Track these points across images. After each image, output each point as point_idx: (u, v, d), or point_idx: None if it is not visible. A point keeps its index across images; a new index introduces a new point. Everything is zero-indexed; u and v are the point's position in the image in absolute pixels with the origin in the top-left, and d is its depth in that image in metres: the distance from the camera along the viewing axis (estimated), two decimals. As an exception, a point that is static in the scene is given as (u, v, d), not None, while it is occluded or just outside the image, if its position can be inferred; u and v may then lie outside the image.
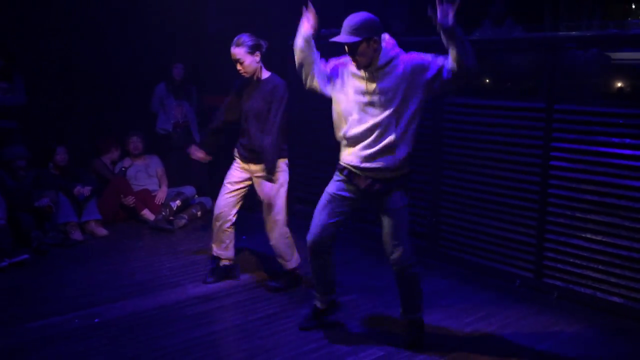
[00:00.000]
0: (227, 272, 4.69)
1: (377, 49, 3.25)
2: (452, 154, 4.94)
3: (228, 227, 4.55)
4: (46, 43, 6.55)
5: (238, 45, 4.14)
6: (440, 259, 5.09)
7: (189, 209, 6.50)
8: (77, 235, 5.75)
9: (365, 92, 3.32)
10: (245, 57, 4.15)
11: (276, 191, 4.31)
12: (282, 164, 4.33)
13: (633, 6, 5.93)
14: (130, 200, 6.28)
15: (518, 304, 4.28)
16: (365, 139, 3.36)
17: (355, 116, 3.37)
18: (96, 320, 4.03)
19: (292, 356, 3.54)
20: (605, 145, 4.04)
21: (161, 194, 6.51)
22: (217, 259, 4.68)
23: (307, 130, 5.94)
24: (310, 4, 3.47)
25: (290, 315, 4.09)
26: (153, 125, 6.92)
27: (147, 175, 6.64)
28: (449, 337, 3.79)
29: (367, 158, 3.37)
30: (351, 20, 3.23)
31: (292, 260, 4.51)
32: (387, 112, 3.29)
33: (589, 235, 4.15)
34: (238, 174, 4.45)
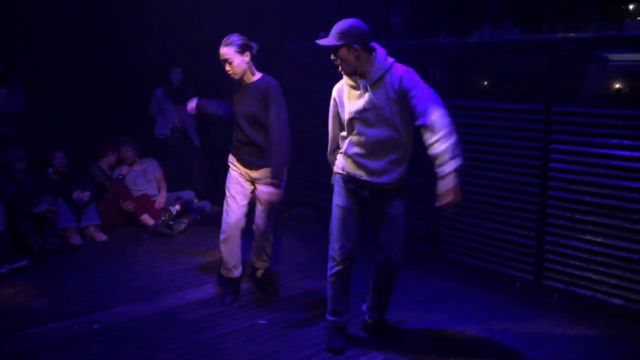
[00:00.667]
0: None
1: (360, 57, 3.24)
2: (451, 156, 4.93)
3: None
4: (44, 48, 6.56)
5: (227, 44, 4.03)
6: (440, 261, 5.08)
7: (189, 213, 6.49)
8: (76, 240, 5.74)
9: (363, 109, 3.32)
10: (234, 56, 4.02)
11: (278, 195, 4.21)
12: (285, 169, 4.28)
13: (631, 7, 5.93)
14: (129, 205, 6.27)
15: (518, 306, 4.27)
16: (369, 154, 3.38)
17: (356, 132, 3.39)
18: (96, 326, 4.02)
19: (292, 361, 3.54)
20: (604, 146, 4.03)
21: (160, 199, 6.51)
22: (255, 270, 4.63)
23: (305, 133, 5.93)
24: None
25: (290, 319, 4.08)
26: (151, 130, 6.92)
27: (145, 179, 6.63)
28: (449, 340, 3.79)
29: (372, 173, 3.40)
30: (337, 26, 3.27)
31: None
32: (386, 127, 3.30)
33: (588, 237, 4.15)
34: (243, 183, 4.29)
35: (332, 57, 3.30)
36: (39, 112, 6.49)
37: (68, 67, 6.69)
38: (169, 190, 6.68)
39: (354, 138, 3.41)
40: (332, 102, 3.56)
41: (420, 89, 3.21)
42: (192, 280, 4.82)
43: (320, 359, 3.56)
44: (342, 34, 3.22)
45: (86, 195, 5.92)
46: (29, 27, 6.46)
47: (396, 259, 3.55)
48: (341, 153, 3.53)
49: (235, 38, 4.06)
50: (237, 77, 4.11)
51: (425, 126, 3.16)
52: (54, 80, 6.66)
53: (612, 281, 4.05)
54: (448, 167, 3.10)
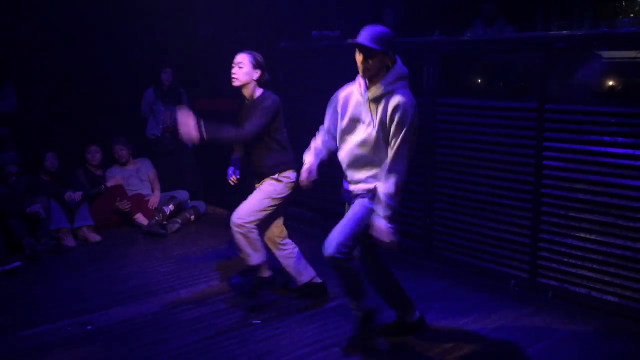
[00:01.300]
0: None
1: (385, 67, 3.23)
2: (445, 154, 4.93)
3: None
4: (36, 49, 6.52)
5: (247, 53, 4.13)
6: (434, 260, 5.08)
7: (183, 213, 6.47)
8: (69, 241, 5.72)
9: (356, 120, 3.34)
10: (247, 65, 4.09)
11: (270, 194, 4.21)
12: (283, 176, 4.26)
13: (624, 4, 5.94)
14: (126, 205, 6.25)
15: (513, 304, 4.27)
16: (349, 167, 3.43)
17: (344, 143, 3.42)
18: (89, 327, 4.00)
19: (287, 360, 3.53)
20: (597, 144, 4.04)
21: (154, 199, 6.49)
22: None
23: (298, 133, 5.92)
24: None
25: (284, 319, 4.07)
26: (143, 131, 6.89)
27: (139, 179, 6.61)
28: (444, 338, 3.78)
29: (355, 182, 3.43)
30: (373, 29, 3.19)
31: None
32: (374, 146, 3.30)
33: (583, 235, 4.15)
34: None
35: (362, 60, 3.19)
36: (31, 113, 6.46)
37: (60, 67, 6.65)
38: (162, 190, 6.66)
39: (346, 147, 3.44)
40: (331, 109, 3.54)
41: (404, 137, 3.21)
42: (186, 281, 4.81)
43: (315, 358, 3.55)
44: (382, 41, 3.16)
45: (78, 195, 5.89)
46: (21, 27, 6.43)
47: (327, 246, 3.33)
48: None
49: (256, 54, 4.16)
50: (236, 83, 4.14)
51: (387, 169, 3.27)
52: (45, 81, 6.63)
53: (607, 279, 4.06)
54: (382, 210, 3.24)
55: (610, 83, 4.40)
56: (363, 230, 3.33)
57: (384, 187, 3.24)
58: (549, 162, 4.29)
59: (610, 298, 4.05)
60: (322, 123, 3.65)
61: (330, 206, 5.74)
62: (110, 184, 6.39)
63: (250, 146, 4.22)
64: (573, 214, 4.19)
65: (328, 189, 5.50)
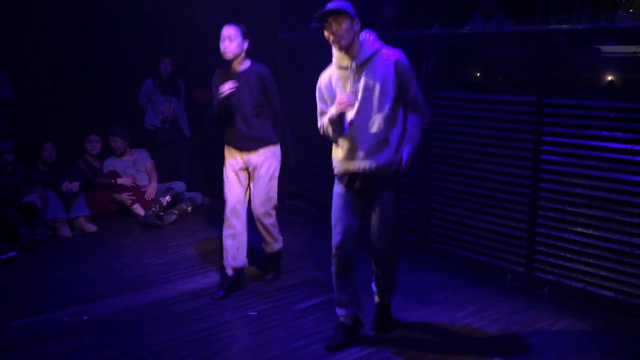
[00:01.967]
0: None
1: (358, 33, 3.27)
2: (442, 147, 4.92)
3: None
4: (33, 38, 6.49)
5: (233, 24, 4.15)
6: (431, 253, 5.08)
7: (179, 204, 6.46)
8: (65, 231, 5.70)
9: (353, 92, 3.30)
10: (237, 36, 4.12)
11: (272, 175, 4.35)
12: (277, 149, 4.39)
13: (623, -1, 5.92)
14: (125, 196, 6.25)
15: (509, 298, 4.27)
16: (352, 142, 3.36)
17: (348, 118, 3.35)
18: (85, 317, 4.00)
19: (283, 352, 3.52)
20: (595, 138, 4.03)
21: (151, 190, 6.47)
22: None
23: (298, 125, 5.90)
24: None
25: (281, 311, 4.07)
26: (141, 121, 6.87)
27: (136, 170, 6.59)
28: (440, 331, 3.78)
29: (357, 158, 3.37)
30: (337, 1, 3.25)
31: (279, 241, 4.61)
32: (376, 110, 3.29)
33: (580, 229, 4.15)
34: (237, 170, 4.35)
35: (333, 27, 3.21)
36: (28, 102, 6.43)
37: (57, 57, 6.62)
38: (159, 181, 6.64)
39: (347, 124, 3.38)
40: (318, 95, 3.50)
41: (414, 80, 3.33)
42: (183, 272, 4.80)
43: (311, 350, 3.55)
44: (347, 5, 3.22)
45: (75, 185, 5.87)
46: (17, 16, 6.39)
47: (379, 245, 3.52)
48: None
49: (241, 26, 4.19)
50: (228, 56, 4.16)
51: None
52: (43, 71, 6.60)
53: (603, 273, 4.06)
54: (410, 143, 3.39)
55: (609, 77, 4.39)
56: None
57: (415, 123, 3.37)
58: (546, 157, 4.28)
59: (607, 292, 4.05)
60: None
61: (325, 198, 5.72)
62: (108, 172, 6.38)
63: (250, 117, 4.23)
64: (570, 209, 4.19)
65: (322, 180, 5.48)
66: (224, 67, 4.27)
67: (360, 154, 3.36)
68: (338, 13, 3.20)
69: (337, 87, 3.38)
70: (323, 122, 3.45)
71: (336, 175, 3.52)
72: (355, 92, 3.30)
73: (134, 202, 6.30)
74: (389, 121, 3.31)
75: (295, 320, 3.94)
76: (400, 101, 3.33)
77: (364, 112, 3.31)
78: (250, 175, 4.38)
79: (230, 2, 6.70)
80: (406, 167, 3.37)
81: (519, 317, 3.99)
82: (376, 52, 3.30)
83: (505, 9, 5.95)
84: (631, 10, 5.54)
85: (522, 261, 4.48)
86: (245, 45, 4.18)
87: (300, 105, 5.62)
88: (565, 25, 4.40)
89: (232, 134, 4.31)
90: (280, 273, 4.66)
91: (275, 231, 4.50)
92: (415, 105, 3.37)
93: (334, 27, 3.23)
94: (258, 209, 4.35)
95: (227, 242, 4.36)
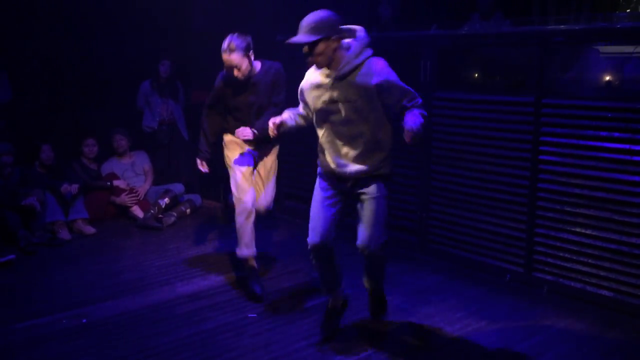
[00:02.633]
0: None
1: (337, 48, 3.17)
2: (441, 148, 4.93)
3: None
4: (31, 40, 6.48)
5: (232, 50, 3.99)
6: (430, 254, 5.08)
7: (178, 206, 6.45)
8: (64, 234, 5.70)
9: (331, 102, 3.28)
10: (242, 61, 4.03)
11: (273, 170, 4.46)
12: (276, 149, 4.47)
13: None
14: (124, 198, 6.25)
15: (508, 298, 4.28)
16: (339, 147, 3.36)
17: (326, 126, 3.37)
18: (84, 320, 3.99)
19: (282, 354, 3.52)
20: (593, 139, 4.04)
21: (141, 190, 6.46)
22: None
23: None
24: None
25: (280, 312, 4.07)
26: (139, 123, 6.86)
27: (134, 172, 6.58)
28: (439, 332, 3.79)
29: (343, 165, 3.37)
30: (308, 19, 3.16)
31: None
32: (358, 120, 3.26)
33: (578, 229, 4.16)
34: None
35: (307, 54, 3.18)
36: (27, 104, 6.42)
37: (55, 59, 6.62)
38: (157, 183, 6.64)
39: (324, 132, 3.40)
40: (299, 95, 3.51)
41: (401, 87, 3.26)
42: (182, 274, 4.80)
43: (311, 352, 3.55)
44: (318, 27, 3.10)
45: (74, 188, 5.87)
46: (17, 18, 6.38)
47: (370, 243, 3.45)
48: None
49: (238, 42, 4.01)
50: (244, 77, 4.11)
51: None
52: (41, 73, 6.60)
53: (602, 273, 4.06)
54: (418, 116, 3.16)
55: (607, 77, 4.39)
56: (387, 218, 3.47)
57: (416, 110, 3.20)
58: (545, 157, 4.29)
59: (605, 292, 4.05)
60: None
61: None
62: (106, 174, 6.38)
63: (258, 113, 4.25)
64: (569, 209, 4.19)
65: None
66: (229, 73, 4.17)
67: (348, 160, 3.36)
68: (308, 45, 3.13)
69: (314, 93, 3.35)
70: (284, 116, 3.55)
71: (321, 173, 3.53)
72: (332, 102, 3.27)
73: (135, 203, 6.30)
74: (375, 128, 3.29)
75: (295, 321, 3.94)
76: (389, 106, 3.29)
77: (349, 123, 3.28)
78: (257, 168, 4.43)
79: (227, 4, 6.70)
80: (419, 130, 3.06)
81: (518, 317, 3.99)
82: (360, 65, 3.21)
83: (503, 10, 5.96)
84: (628, 10, 5.55)
85: (521, 261, 4.49)
86: (252, 56, 4.12)
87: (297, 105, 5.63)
88: (563, 26, 4.42)
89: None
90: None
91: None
92: (410, 101, 3.26)
93: (307, 53, 3.19)
94: (267, 205, 4.47)
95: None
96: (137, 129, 6.82)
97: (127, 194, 6.30)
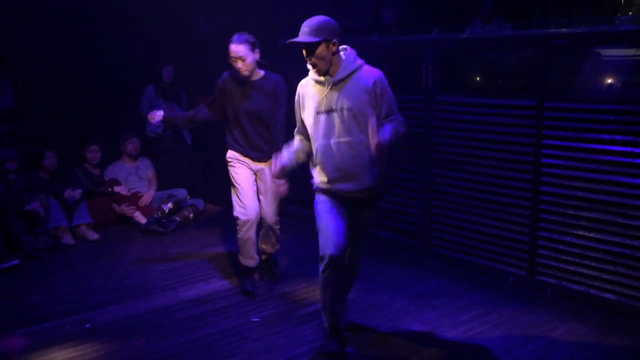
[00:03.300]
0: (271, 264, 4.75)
1: (336, 53, 3.21)
2: (443, 152, 4.93)
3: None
4: (34, 46, 6.51)
5: (239, 42, 4.08)
6: (432, 257, 5.08)
7: (181, 211, 6.46)
8: (68, 239, 5.71)
9: (327, 110, 3.26)
10: (247, 54, 4.08)
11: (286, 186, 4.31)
12: None
13: (623, 1, 5.93)
14: (124, 208, 6.27)
15: (512, 301, 4.27)
16: (335, 159, 3.30)
17: (321, 136, 3.31)
18: (87, 325, 4.00)
19: (285, 358, 3.52)
20: (596, 142, 4.03)
21: (147, 197, 6.48)
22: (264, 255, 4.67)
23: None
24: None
25: (283, 317, 4.07)
26: (143, 128, 6.88)
27: (137, 178, 6.60)
28: (442, 336, 3.78)
29: (338, 180, 3.32)
30: (310, 22, 3.19)
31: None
32: (354, 130, 3.23)
33: (581, 232, 4.15)
34: (250, 176, 4.40)
35: (307, 56, 3.18)
36: (30, 110, 6.44)
37: (59, 64, 6.64)
38: (161, 188, 6.66)
39: (319, 143, 3.34)
40: (297, 100, 3.46)
41: (391, 98, 3.29)
42: (185, 279, 4.80)
43: (314, 356, 3.54)
44: (319, 30, 3.14)
45: (77, 193, 5.88)
46: (19, 24, 6.41)
47: (352, 258, 3.58)
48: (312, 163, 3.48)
49: (247, 36, 4.12)
50: (248, 74, 4.15)
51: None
52: (44, 79, 6.61)
53: (605, 276, 4.06)
54: (389, 131, 3.12)
55: (609, 81, 4.40)
56: None
57: (395, 124, 3.21)
58: (547, 160, 4.29)
59: (609, 295, 4.05)
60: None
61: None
62: (108, 180, 6.40)
63: (264, 127, 4.27)
64: (571, 212, 4.19)
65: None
66: (235, 72, 4.24)
67: (342, 175, 3.30)
68: (308, 45, 3.15)
69: (310, 100, 3.33)
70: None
71: (319, 189, 3.45)
72: (329, 110, 3.26)
73: (134, 211, 6.32)
74: (368, 142, 3.18)
75: (298, 326, 3.94)
76: (380, 119, 3.24)
77: (343, 133, 3.25)
78: (259, 182, 4.41)
79: (230, 8, 6.72)
80: (387, 143, 3.07)
81: (522, 320, 3.98)
82: (355, 71, 3.24)
83: (504, 14, 5.97)
84: (630, 13, 5.55)
85: (524, 265, 4.48)
86: (257, 56, 4.15)
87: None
88: (564, 29, 4.42)
89: (244, 143, 4.32)
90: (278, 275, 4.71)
91: (279, 232, 4.62)
92: (392, 113, 3.29)
93: (308, 55, 3.19)
94: (271, 218, 4.46)
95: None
96: (141, 134, 6.83)
97: (127, 205, 6.31)
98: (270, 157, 4.14)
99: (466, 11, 6.28)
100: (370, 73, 3.27)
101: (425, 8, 6.67)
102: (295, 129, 3.58)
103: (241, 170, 4.36)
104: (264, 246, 4.60)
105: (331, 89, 3.25)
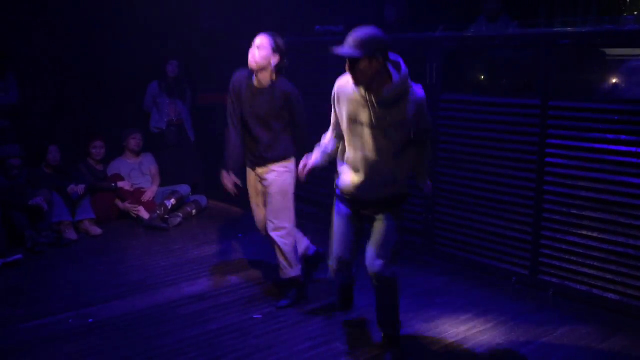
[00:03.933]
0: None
1: (381, 70, 3.01)
2: (447, 150, 4.92)
3: None
4: (39, 41, 6.51)
5: (269, 36, 3.92)
6: (435, 256, 5.07)
7: (184, 207, 6.47)
8: (71, 234, 5.72)
9: (368, 124, 3.13)
10: (267, 48, 3.89)
11: (285, 191, 4.16)
12: (291, 164, 4.17)
13: (628, 1, 5.91)
14: (128, 206, 6.28)
15: (514, 301, 4.27)
16: (366, 172, 3.26)
17: (357, 147, 3.23)
18: (90, 320, 4.01)
19: (287, 355, 3.53)
20: (600, 141, 4.02)
21: (149, 193, 6.48)
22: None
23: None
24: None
25: (285, 314, 4.08)
26: (146, 124, 6.88)
27: (140, 173, 6.61)
28: (445, 334, 3.78)
29: (362, 192, 3.31)
30: (356, 33, 2.98)
31: (296, 267, 4.22)
32: (394, 147, 3.17)
33: (584, 232, 4.14)
34: (257, 186, 4.27)
35: (349, 69, 3.01)
36: (34, 105, 6.45)
37: (63, 60, 6.64)
38: (164, 184, 6.66)
39: (352, 150, 3.27)
40: (333, 98, 3.30)
41: (428, 121, 3.27)
42: (188, 275, 4.81)
43: (316, 353, 3.55)
44: (365, 44, 2.93)
45: (81, 188, 5.90)
46: (23, 19, 6.41)
47: (376, 266, 3.35)
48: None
49: (279, 38, 3.95)
50: (251, 65, 3.93)
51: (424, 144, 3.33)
52: (48, 74, 6.62)
53: (608, 276, 4.05)
54: (427, 176, 3.52)
55: (614, 80, 4.38)
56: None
57: (428, 155, 3.43)
58: (551, 159, 4.28)
59: (612, 296, 4.04)
60: (324, 118, 3.61)
61: (330, 200, 5.73)
62: (111, 175, 6.42)
63: (263, 132, 4.07)
64: (575, 211, 4.18)
65: (328, 182, 5.48)
66: (246, 73, 4.06)
67: (371, 186, 3.27)
68: (348, 59, 3.00)
69: (349, 105, 3.18)
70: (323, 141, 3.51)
71: (340, 195, 3.44)
72: (370, 126, 3.13)
73: (134, 202, 6.33)
74: (402, 158, 3.22)
75: (300, 323, 3.95)
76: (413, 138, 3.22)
77: (381, 149, 3.17)
78: (264, 192, 4.22)
79: (234, 5, 6.72)
80: (430, 190, 3.62)
81: (524, 320, 3.98)
82: (406, 93, 3.10)
83: (509, 12, 5.95)
84: (636, 13, 5.53)
85: (527, 264, 4.47)
86: (275, 61, 3.92)
87: (305, 107, 5.63)
88: (570, 28, 4.41)
89: (248, 148, 4.18)
90: (296, 303, 4.23)
91: (290, 255, 4.17)
92: (427, 135, 3.30)
93: (350, 68, 3.02)
94: (269, 226, 4.15)
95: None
96: (144, 130, 6.84)
97: (129, 202, 6.32)
98: (270, 162, 4.10)
99: (471, 9, 6.26)
100: (415, 96, 3.12)
101: (430, 6, 6.66)
102: (330, 128, 3.47)
103: (248, 178, 4.28)
104: (279, 269, 4.30)
105: (377, 107, 3.09)
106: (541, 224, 4.37)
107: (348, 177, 3.34)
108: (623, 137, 3.91)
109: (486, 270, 4.71)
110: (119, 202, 6.36)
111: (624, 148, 3.91)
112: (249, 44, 3.99)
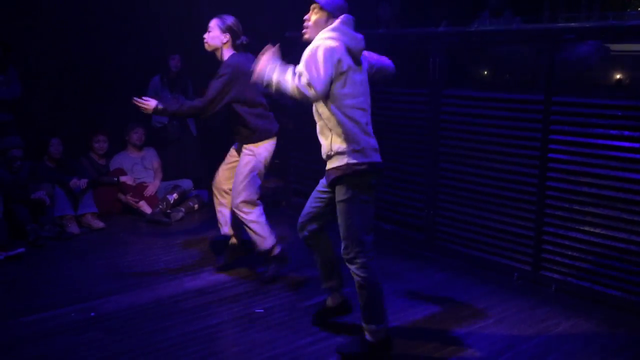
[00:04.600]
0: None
1: (321, 24, 3.24)
2: (449, 146, 4.92)
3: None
4: (41, 35, 6.51)
5: (217, 17, 4.29)
6: (437, 252, 5.07)
7: (186, 202, 6.48)
8: (73, 228, 5.72)
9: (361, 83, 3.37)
10: (214, 28, 4.27)
11: (246, 172, 4.36)
12: (257, 149, 4.41)
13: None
14: (129, 198, 6.28)
15: (516, 296, 4.27)
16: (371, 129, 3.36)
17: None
18: (92, 314, 4.02)
19: (288, 350, 3.53)
20: (603, 137, 4.01)
21: (152, 187, 6.48)
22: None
23: (301, 122, 5.91)
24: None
25: (286, 308, 4.08)
26: (149, 118, 6.88)
27: (143, 167, 6.61)
28: (446, 330, 3.78)
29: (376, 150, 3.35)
30: None
31: (267, 240, 4.43)
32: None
33: (587, 228, 4.14)
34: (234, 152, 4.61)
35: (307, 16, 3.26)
36: (36, 99, 6.45)
37: (65, 54, 6.64)
38: (166, 178, 6.67)
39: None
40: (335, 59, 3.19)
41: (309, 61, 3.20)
42: (189, 269, 4.82)
43: (317, 348, 3.55)
44: None
45: (84, 182, 5.90)
46: (25, 13, 6.41)
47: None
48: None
49: (227, 18, 4.30)
50: (206, 47, 4.34)
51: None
52: (50, 67, 6.62)
53: (610, 272, 4.04)
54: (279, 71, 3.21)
55: (618, 76, 4.37)
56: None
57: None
58: (554, 155, 4.27)
59: (613, 292, 4.04)
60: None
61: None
62: (114, 170, 6.42)
63: (231, 111, 4.35)
64: (577, 207, 4.17)
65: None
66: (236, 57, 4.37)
67: (375, 145, 3.32)
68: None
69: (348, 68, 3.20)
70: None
71: (357, 172, 3.20)
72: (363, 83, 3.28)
73: (136, 196, 6.34)
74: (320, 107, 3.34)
75: (301, 318, 3.95)
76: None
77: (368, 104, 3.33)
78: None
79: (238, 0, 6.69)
80: (261, 73, 3.27)
81: (525, 315, 3.98)
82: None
83: (513, 8, 5.94)
84: (639, 9, 5.51)
85: (529, 260, 4.47)
86: (225, 39, 4.26)
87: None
88: (573, 24, 4.39)
89: None
90: (277, 276, 4.52)
91: (258, 229, 4.39)
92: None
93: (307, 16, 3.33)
94: (232, 202, 4.45)
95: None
96: (146, 124, 6.83)
97: (132, 195, 6.33)
98: (239, 142, 4.45)
99: (475, 5, 6.24)
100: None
101: (424, 4, 6.63)
102: None
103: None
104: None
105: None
106: (543, 219, 4.36)
107: (364, 142, 3.33)
108: (626, 132, 3.90)
109: (488, 266, 4.71)
110: (121, 196, 6.36)
111: (627, 144, 3.90)
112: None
